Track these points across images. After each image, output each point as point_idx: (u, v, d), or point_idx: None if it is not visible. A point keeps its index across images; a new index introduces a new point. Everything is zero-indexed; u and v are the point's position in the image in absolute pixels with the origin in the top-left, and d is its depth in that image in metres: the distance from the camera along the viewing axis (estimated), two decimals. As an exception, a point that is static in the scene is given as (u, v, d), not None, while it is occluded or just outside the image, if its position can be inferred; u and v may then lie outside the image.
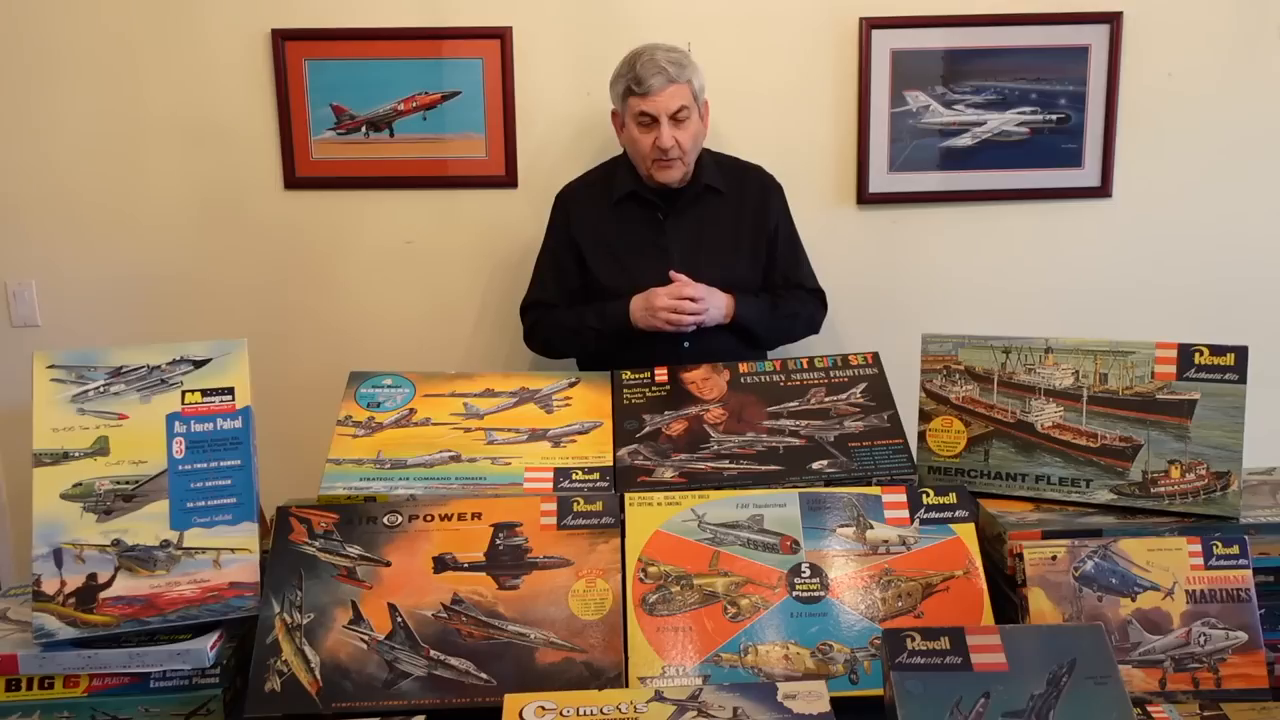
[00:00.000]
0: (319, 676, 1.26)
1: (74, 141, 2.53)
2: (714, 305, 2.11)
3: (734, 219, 2.26)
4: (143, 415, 1.39)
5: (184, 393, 1.41)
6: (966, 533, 1.39)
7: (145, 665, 1.26)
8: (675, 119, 2.12)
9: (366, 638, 1.29)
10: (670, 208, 2.24)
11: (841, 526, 1.39)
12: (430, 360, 2.54)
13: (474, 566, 1.35)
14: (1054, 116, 2.59)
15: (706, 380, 1.71)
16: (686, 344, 2.14)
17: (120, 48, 2.49)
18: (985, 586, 1.34)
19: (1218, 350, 1.43)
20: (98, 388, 1.39)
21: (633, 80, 2.12)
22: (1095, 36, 2.55)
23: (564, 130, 2.57)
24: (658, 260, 2.17)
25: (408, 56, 2.51)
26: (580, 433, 1.61)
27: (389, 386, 1.68)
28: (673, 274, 2.11)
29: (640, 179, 2.24)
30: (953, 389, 1.57)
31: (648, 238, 2.23)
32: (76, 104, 2.51)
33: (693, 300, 2.08)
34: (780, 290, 2.29)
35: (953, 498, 1.42)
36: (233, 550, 1.35)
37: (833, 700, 1.15)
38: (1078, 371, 1.50)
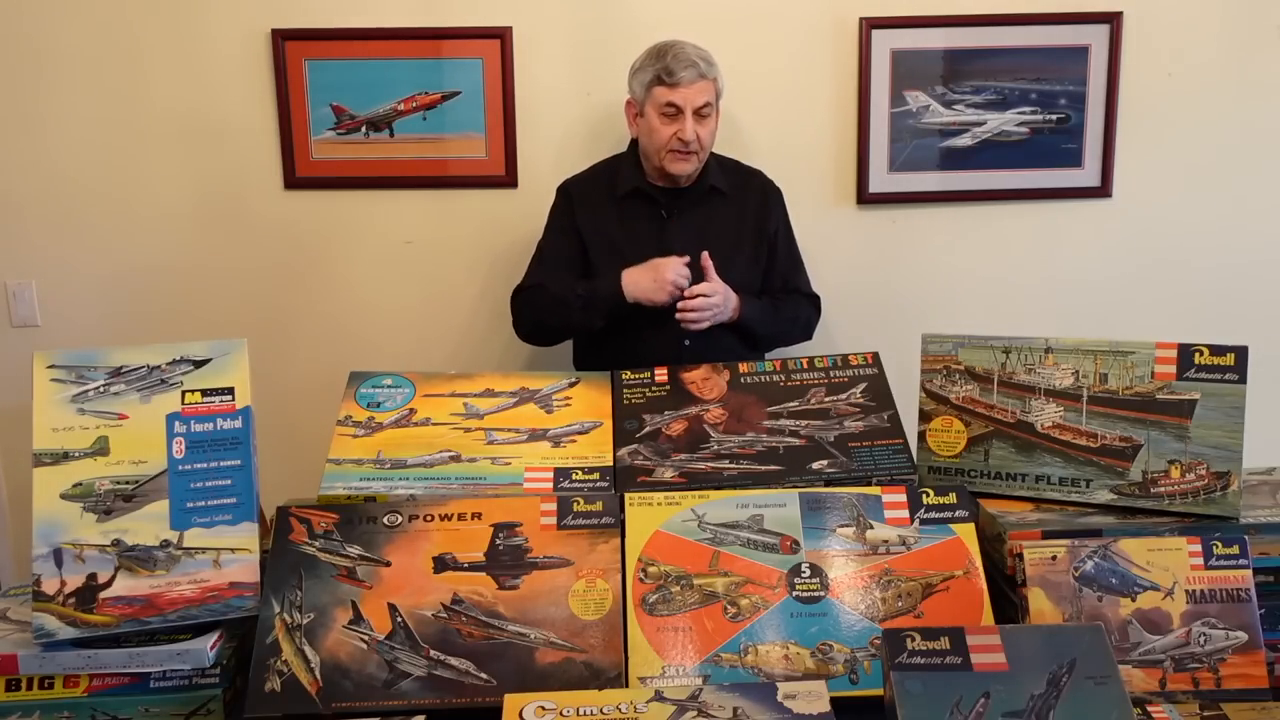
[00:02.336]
0: (319, 676, 1.26)
1: (74, 141, 2.53)
2: (727, 305, 2.11)
3: (736, 221, 2.26)
4: (143, 415, 1.38)
5: (184, 393, 1.40)
6: (966, 533, 1.39)
7: (145, 665, 1.26)
8: (698, 114, 2.13)
9: (366, 638, 1.29)
10: (674, 206, 2.24)
11: (841, 526, 1.39)
12: (430, 360, 2.54)
13: (474, 566, 1.35)
14: (1054, 116, 2.59)
15: (706, 380, 1.71)
16: (687, 342, 2.14)
17: (120, 48, 2.49)
18: (985, 586, 1.34)
19: (1218, 350, 1.43)
20: (98, 388, 1.39)
21: (663, 70, 2.12)
22: (1095, 36, 2.55)
23: (564, 130, 2.57)
24: (659, 257, 2.17)
25: (408, 56, 2.51)
26: (580, 433, 1.61)
27: (389, 386, 1.68)
28: (705, 258, 2.08)
29: (644, 176, 2.24)
30: (953, 389, 1.57)
31: (650, 235, 2.23)
32: (77, 104, 2.51)
33: (706, 296, 2.06)
34: (779, 294, 2.29)
35: (953, 498, 1.42)
36: (233, 550, 1.35)
37: (833, 700, 1.15)
38: (1078, 371, 1.50)
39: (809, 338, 2.36)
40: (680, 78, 2.11)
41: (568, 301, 2.16)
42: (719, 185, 2.25)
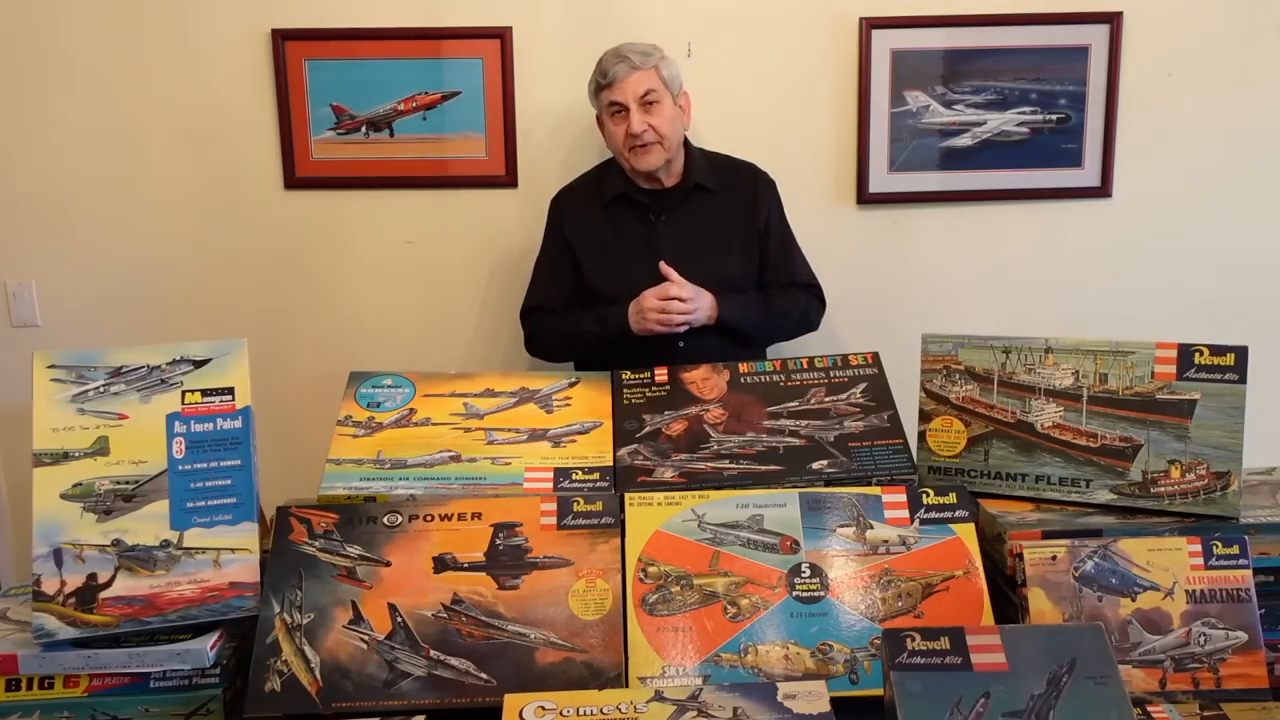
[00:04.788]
0: (319, 676, 1.26)
1: (74, 141, 2.53)
2: (700, 306, 2.11)
3: (726, 217, 2.25)
4: (143, 415, 1.38)
5: (184, 393, 1.40)
6: (966, 533, 1.39)
7: (145, 665, 1.26)
8: (644, 104, 2.14)
9: (366, 638, 1.29)
10: (661, 208, 2.24)
11: (841, 526, 1.39)
12: (430, 360, 2.54)
13: (474, 566, 1.35)
14: (1054, 116, 2.59)
15: (706, 380, 1.71)
16: (681, 344, 2.14)
17: (120, 48, 2.49)
18: (985, 586, 1.34)
19: (1218, 350, 1.43)
20: (98, 388, 1.39)
21: (599, 75, 2.17)
22: (1095, 36, 2.55)
23: (564, 130, 2.57)
24: (650, 261, 2.16)
25: (408, 56, 2.51)
26: (580, 433, 1.61)
27: (389, 386, 1.68)
28: (663, 267, 2.11)
29: (631, 180, 2.24)
30: (953, 389, 1.57)
31: (640, 238, 2.23)
32: (77, 104, 2.51)
33: (680, 300, 2.08)
34: (773, 288, 2.27)
35: (953, 498, 1.42)
36: (233, 550, 1.35)
37: (833, 700, 1.15)
38: (1078, 371, 1.50)
39: (812, 328, 2.34)
40: (614, 74, 2.13)
41: (578, 336, 2.22)
42: (706, 182, 2.25)
